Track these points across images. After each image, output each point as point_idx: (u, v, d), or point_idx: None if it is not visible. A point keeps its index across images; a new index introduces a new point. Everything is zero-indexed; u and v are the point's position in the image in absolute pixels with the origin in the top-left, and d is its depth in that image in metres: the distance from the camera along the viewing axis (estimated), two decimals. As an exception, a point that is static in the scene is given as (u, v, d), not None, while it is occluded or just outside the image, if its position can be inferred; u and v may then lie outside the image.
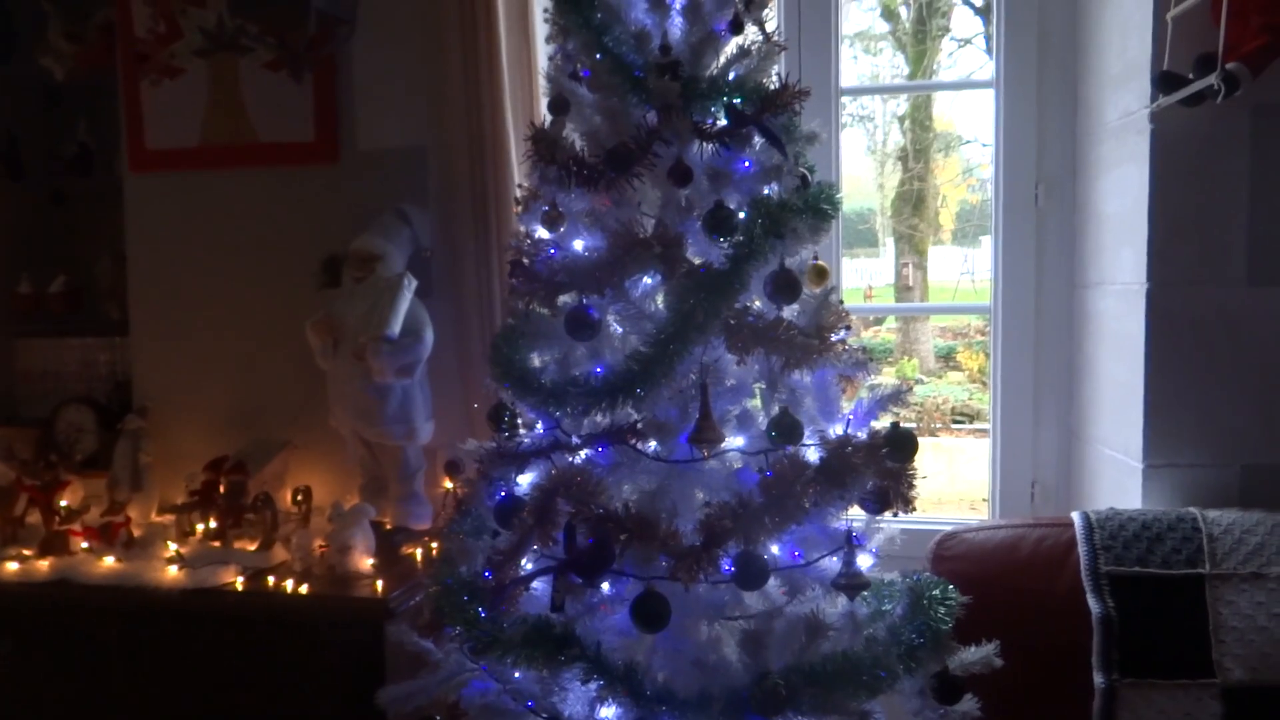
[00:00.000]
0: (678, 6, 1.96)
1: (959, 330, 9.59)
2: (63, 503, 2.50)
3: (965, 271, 10.75)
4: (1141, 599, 1.82)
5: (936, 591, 1.77)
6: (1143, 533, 1.86)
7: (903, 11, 9.57)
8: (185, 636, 2.17)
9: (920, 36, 9.17)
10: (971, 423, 7.84)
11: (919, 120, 9.63)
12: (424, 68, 2.54)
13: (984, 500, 5.71)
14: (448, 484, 2.57)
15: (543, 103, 2.51)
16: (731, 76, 1.93)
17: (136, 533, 2.44)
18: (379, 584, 2.15)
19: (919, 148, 9.71)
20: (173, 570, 2.20)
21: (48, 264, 3.07)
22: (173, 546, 2.30)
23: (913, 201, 9.74)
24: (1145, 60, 2.02)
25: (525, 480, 1.99)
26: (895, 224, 9.96)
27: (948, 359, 9.47)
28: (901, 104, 9.74)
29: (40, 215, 3.14)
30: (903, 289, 9.72)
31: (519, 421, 2.08)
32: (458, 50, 2.42)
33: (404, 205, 2.49)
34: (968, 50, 9.45)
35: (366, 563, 2.24)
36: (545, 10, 2.10)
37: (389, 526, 2.43)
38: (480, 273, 2.46)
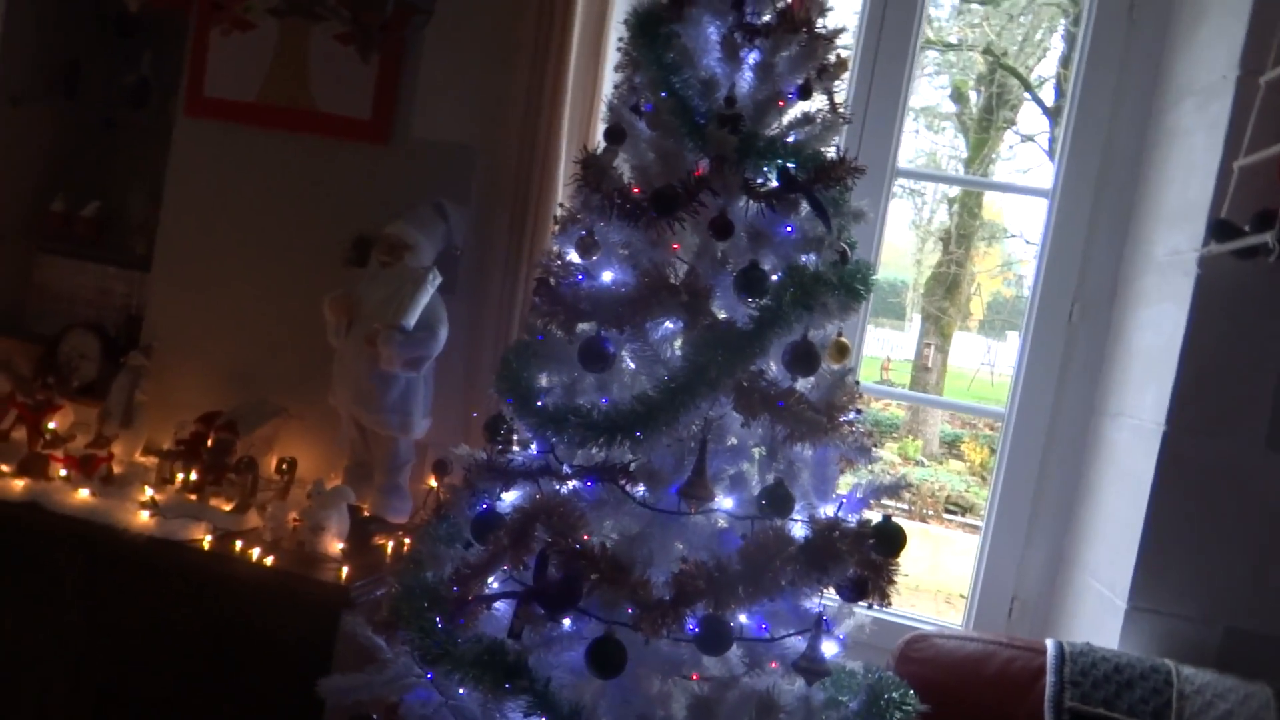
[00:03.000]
0: (750, 61, 1.96)
1: (968, 420, 9.54)
2: (50, 425, 2.50)
3: (986, 363, 10.72)
4: (1100, 741, 1.79)
5: (896, 694, 1.74)
6: (1114, 675, 1.83)
7: (972, 96, 9.59)
8: (145, 583, 2.16)
9: (985, 125, 9.18)
10: (964, 515, 7.78)
11: (969, 206, 9.62)
12: (490, 67, 2.54)
13: (961, 596, 5.66)
14: (431, 482, 2.56)
15: (599, 128, 2.53)
16: (790, 140, 1.92)
17: (117, 469, 2.42)
18: (344, 570, 2.13)
19: (964, 233, 9.70)
20: (144, 516, 2.18)
21: (85, 188, 3.07)
22: (149, 492, 2.28)
23: (947, 284, 9.72)
24: (1204, 203, 2.00)
25: (508, 499, 1.98)
26: (926, 303, 9.94)
27: (952, 446, 9.41)
28: (954, 187, 9.74)
29: (87, 139, 3.15)
30: (921, 369, 9.69)
31: (514, 438, 2.07)
32: (528, 56, 2.43)
33: (443, 200, 2.49)
34: (1029, 147, 9.46)
35: (336, 546, 2.22)
36: (620, 39, 2.09)
37: (366, 514, 2.42)
38: (506, 281, 2.46)
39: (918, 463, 8.76)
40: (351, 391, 2.39)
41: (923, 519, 7.59)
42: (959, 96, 9.65)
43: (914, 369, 9.92)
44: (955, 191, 9.65)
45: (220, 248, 2.76)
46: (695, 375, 1.76)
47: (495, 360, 2.49)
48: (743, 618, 1.78)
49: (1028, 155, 9.47)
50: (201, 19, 2.73)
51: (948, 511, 7.87)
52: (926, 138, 9.92)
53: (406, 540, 2.38)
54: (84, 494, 2.25)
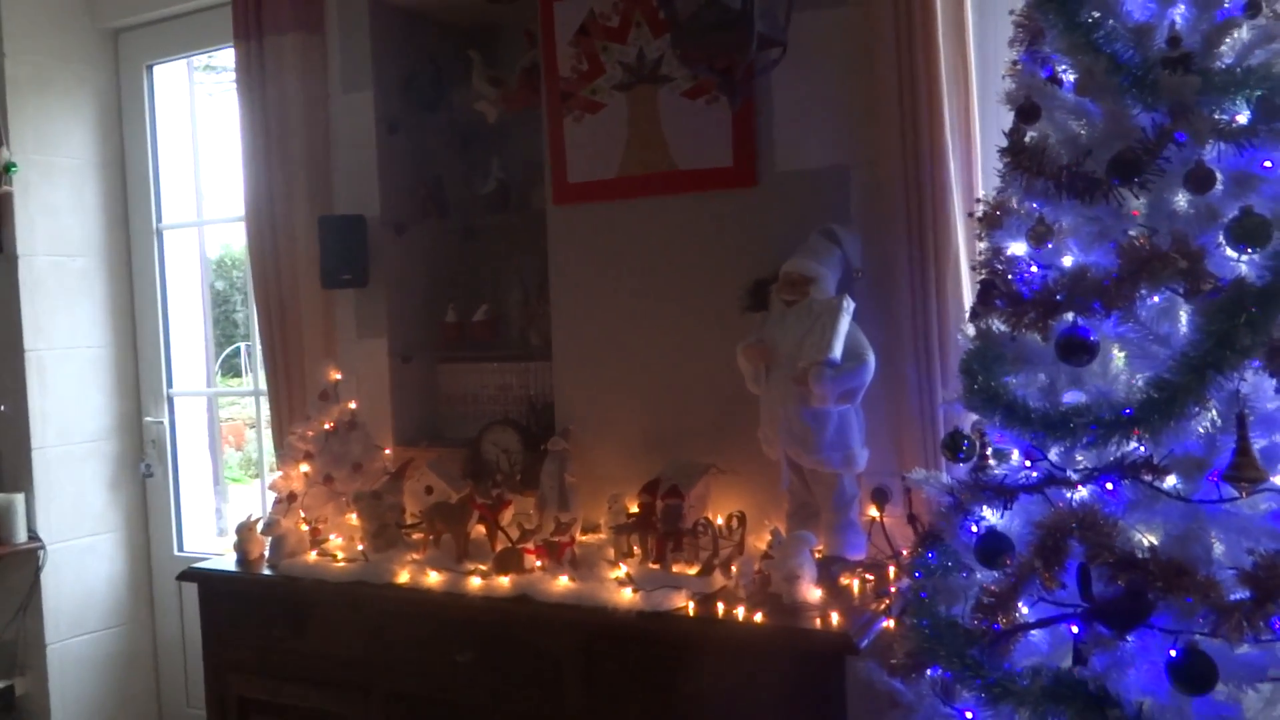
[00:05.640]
0: (1184, -9, 1.77)
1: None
2: (504, 521, 2.64)
3: None
4: None
5: None
6: None
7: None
8: (640, 658, 2.21)
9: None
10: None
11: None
12: (849, 85, 2.48)
13: None
14: (872, 512, 2.49)
15: (976, 113, 2.39)
16: (1253, 64, 1.71)
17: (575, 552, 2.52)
18: (834, 616, 2.08)
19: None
20: (626, 592, 2.24)
21: (469, 295, 3.28)
22: (623, 568, 2.35)
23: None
24: None
25: (998, 517, 1.86)
26: None
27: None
28: None
29: (460, 249, 3.38)
30: None
31: (988, 452, 1.96)
32: (893, 65, 2.34)
33: (831, 225, 2.43)
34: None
35: (814, 593, 2.18)
36: (1011, 12, 1.96)
37: (820, 555, 2.37)
38: (916, 292, 2.36)
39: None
40: (785, 435, 2.36)
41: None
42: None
43: None
44: None
45: (612, 322, 2.84)
46: (1219, 345, 1.58)
47: (920, 376, 2.40)
48: (1325, 605, 1.56)
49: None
50: (552, 111, 2.85)
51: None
52: None
53: (869, 577, 2.31)
54: (564, 580, 2.34)
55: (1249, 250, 1.63)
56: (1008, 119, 1.92)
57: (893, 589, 2.23)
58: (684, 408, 2.75)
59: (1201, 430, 1.63)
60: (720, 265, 2.66)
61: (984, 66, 2.40)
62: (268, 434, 3.75)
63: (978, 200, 2.09)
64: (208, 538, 4.10)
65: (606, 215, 2.83)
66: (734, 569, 2.29)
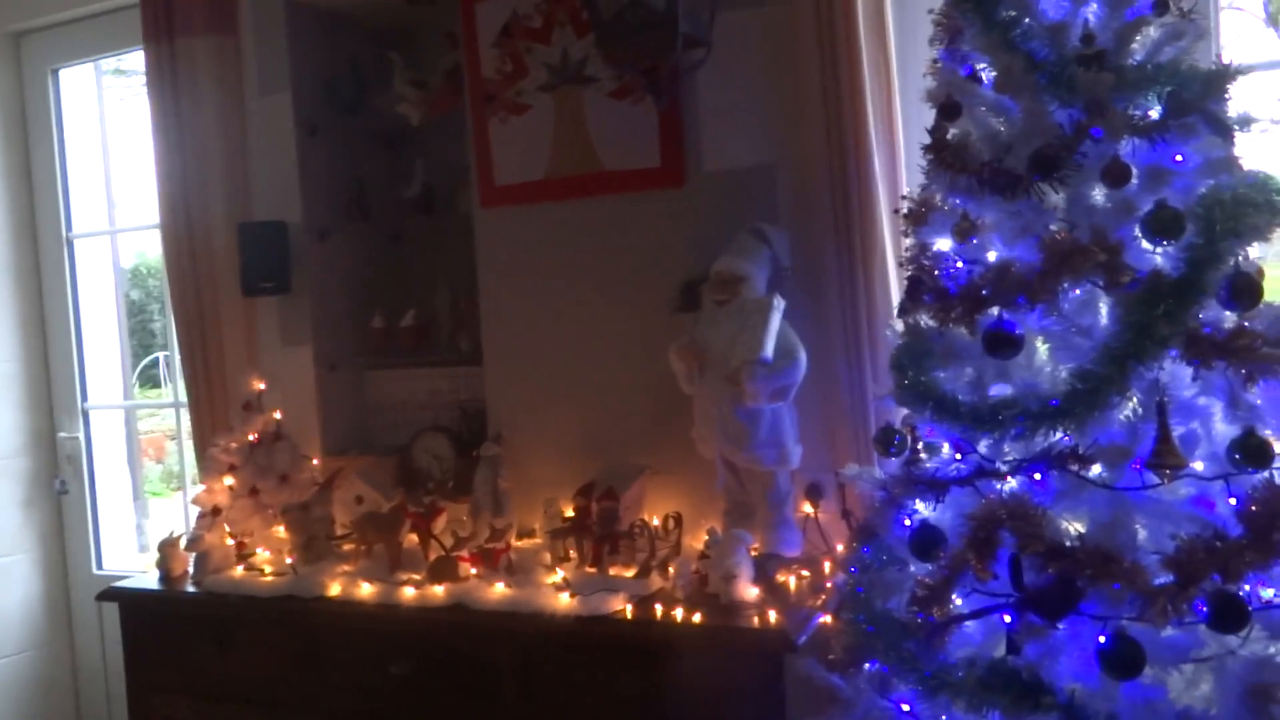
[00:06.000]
0: (1096, -9, 1.81)
1: None
2: (438, 529, 2.60)
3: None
4: None
5: None
6: None
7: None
8: (579, 663, 2.19)
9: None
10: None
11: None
12: (773, 84, 2.48)
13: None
14: (806, 509, 2.51)
15: (899, 110, 2.42)
16: (1162, 61, 1.76)
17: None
18: (771, 614, 2.09)
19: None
20: (564, 597, 2.22)
21: (395, 300, 3.22)
22: (560, 573, 2.33)
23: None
24: None
25: (930, 510, 1.88)
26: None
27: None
28: None
29: (384, 255, 3.32)
30: None
31: (919, 446, 1.98)
32: (815, 64, 2.36)
33: (760, 224, 2.44)
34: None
35: (751, 592, 2.19)
36: (930, 11, 1.99)
37: (757, 553, 2.38)
38: (844, 289, 2.38)
39: None
40: (720, 435, 2.36)
41: None
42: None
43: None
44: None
45: (543, 324, 2.81)
46: (1139, 335, 1.62)
47: (851, 372, 2.42)
48: (1245, 586, 1.61)
49: None
50: (477, 114, 2.81)
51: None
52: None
53: (804, 573, 2.32)
54: (500, 587, 2.31)
55: (1164, 243, 1.67)
56: (930, 117, 1.94)
57: (829, 585, 2.25)
58: (617, 409, 2.73)
59: (1124, 419, 1.67)
60: (650, 266, 2.65)
61: (905, 65, 2.42)
62: (189, 446, 3.64)
63: (903, 197, 2.11)
64: (128, 555, 3.97)
65: (535, 217, 2.80)
66: (671, 570, 2.29)
